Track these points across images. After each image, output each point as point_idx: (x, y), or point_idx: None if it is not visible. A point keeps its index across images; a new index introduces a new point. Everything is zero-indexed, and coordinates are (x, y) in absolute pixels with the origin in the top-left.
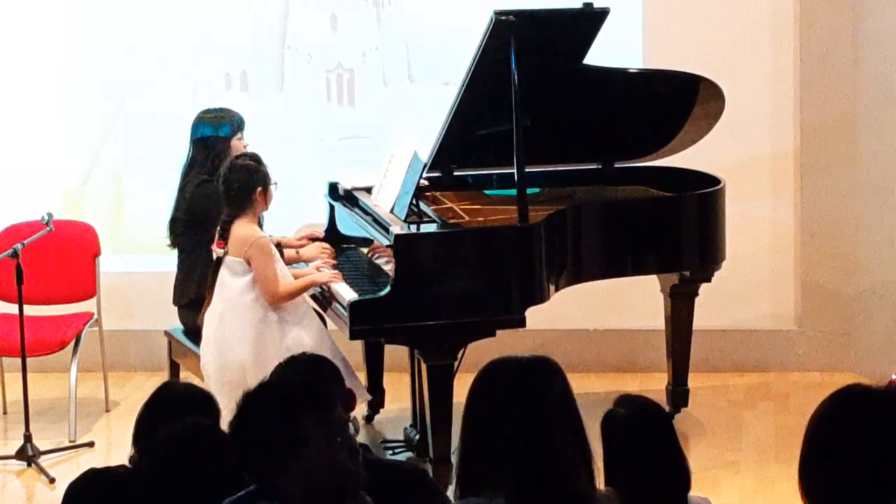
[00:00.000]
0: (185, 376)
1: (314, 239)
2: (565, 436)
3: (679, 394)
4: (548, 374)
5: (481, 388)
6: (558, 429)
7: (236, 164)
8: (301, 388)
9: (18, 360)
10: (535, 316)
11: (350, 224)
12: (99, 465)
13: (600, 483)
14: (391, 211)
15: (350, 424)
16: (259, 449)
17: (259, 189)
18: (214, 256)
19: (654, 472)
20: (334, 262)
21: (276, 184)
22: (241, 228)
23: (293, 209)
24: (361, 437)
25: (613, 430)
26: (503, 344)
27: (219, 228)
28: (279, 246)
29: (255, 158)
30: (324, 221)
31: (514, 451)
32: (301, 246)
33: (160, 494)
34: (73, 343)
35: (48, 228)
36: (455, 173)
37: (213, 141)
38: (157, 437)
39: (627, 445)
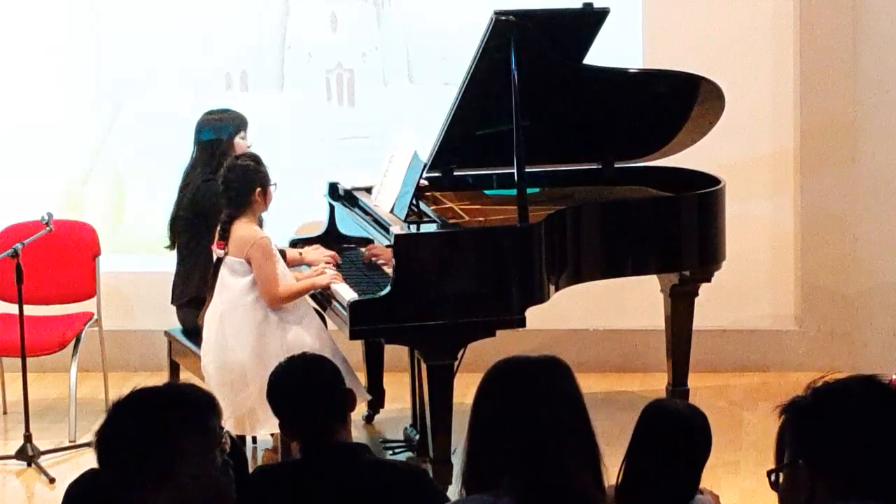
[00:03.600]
0: (186, 376)
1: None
2: (573, 436)
3: (679, 394)
4: (557, 375)
5: (489, 387)
6: (566, 429)
7: (235, 164)
8: (175, 395)
9: (18, 360)
10: (535, 316)
11: (350, 224)
12: None
13: (610, 479)
14: (391, 211)
15: (225, 432)
16: (131, 463)
17: (258, 189)
18: (215, 257)
19: (677, 471)
20: (338, 262)
21: (275, 184)
22: (242, 229)
23: (293, 209)
24: (361, 437)
25: (657, 417)
26: (503, 344)
27: (219, 229)
28: (282, 250)
29: (255, 159)
30: (322, 219)
31: (521, 451)
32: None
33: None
34: (73, 343)
35: (48, 228)
36: (455, 173)
37: (216, 143)
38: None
39: (664, 435)
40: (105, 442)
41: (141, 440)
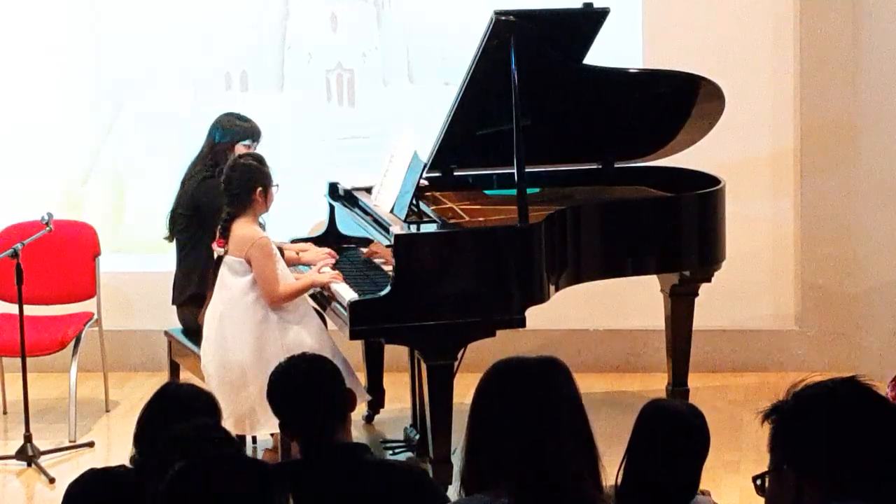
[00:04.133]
0: (186, 376)
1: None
2: (571, 437)
3: (679, 394)
4: (555, 375)
5: (489, 387)
6: (565, 430)
7: (239, 162)
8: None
9: (18, 360)
10: (536, 316)
11: (350, 224)
12: (99, 465)
13: (609, 479)
14: (391, 211)
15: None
16: None
17: (259, 189)
18: (215, 255)
19: (677, 471)
20: (335, 259)
21: (277, 186)
22: (243, 228)
23: (293, 209)
24: (362, 437)
25: (656, 417)
26: (503, 344)
27: (219, 227)
28: (280, 249)
29: (259, 159)
30: (325, 220)
31: (520, 451)
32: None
33: (170, 496)
34: (73, 343)
35: (48, 228)
36: (455, 173)
37: (218, 145)
38: (164, 437)
39: (663, 435)
40: None
41: None
